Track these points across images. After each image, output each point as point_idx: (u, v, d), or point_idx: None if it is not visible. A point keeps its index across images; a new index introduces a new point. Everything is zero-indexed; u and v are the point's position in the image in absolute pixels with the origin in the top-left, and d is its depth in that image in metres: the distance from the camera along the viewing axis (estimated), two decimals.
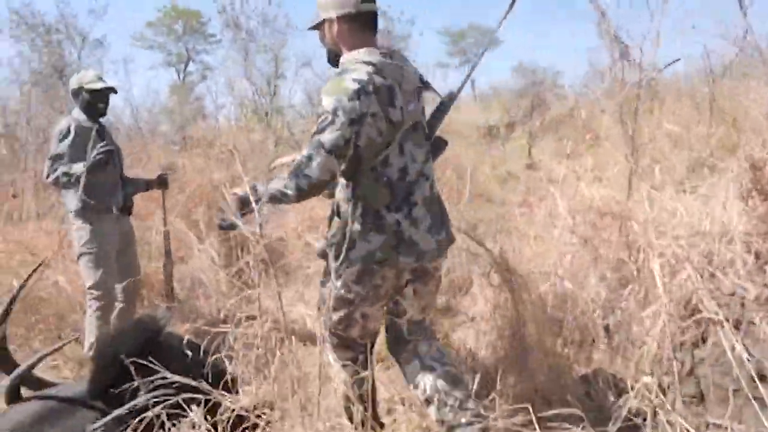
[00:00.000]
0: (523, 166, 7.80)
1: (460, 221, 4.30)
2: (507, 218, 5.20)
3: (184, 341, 2.23)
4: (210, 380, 1.86)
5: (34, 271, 2.22)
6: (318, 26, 2.08)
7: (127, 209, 3.27)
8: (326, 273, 2.14)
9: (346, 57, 1.99)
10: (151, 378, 1.86)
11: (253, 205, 1.90)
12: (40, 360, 2.09)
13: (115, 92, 3.26)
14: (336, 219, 2.05)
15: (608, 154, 4.97)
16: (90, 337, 3.06)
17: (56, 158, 3.02)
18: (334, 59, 2.09)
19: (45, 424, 1.90)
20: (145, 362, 1.90)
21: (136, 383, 1.85)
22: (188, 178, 5.39)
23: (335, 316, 2.09)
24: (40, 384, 2.13)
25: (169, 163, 6.41)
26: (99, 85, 3.14)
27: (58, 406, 1.99)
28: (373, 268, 1.98)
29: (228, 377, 2.00)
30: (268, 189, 1.96)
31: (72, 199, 3.07)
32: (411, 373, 2.12)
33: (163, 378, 1.83)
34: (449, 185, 5.39)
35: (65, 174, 2.99)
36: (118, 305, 3.18)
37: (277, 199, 1.97)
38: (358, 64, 1.92)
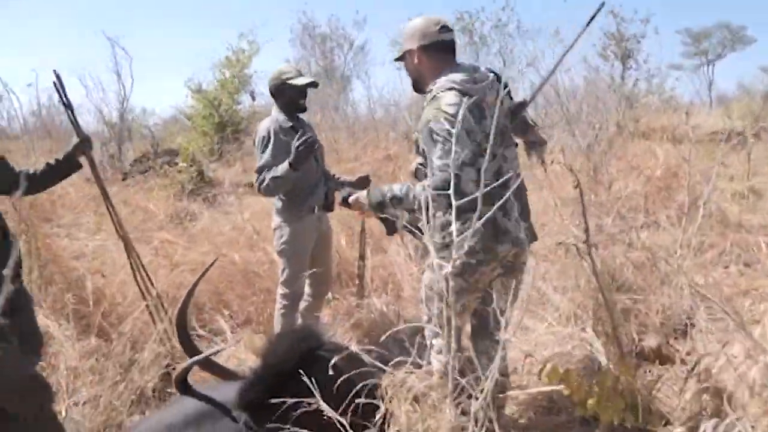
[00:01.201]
0: None
1: (687, 249, 3.19)
2: (746, 247, 3.83)
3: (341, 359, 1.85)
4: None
5: (206, 270, 2.00)
6: (402, 57, 2.08)
7: (328, 206, 2.87)
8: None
9: (434, 85, 1.95)
10: (295, 400, 1.52)
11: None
12: (211, 354, 1.90)
13: (316, 86, 2.84)
14: (436, 218, 1.92)
15: None
16: (276, 329, 2.82)
17: (261, 169, 2.67)
18: (417, 86, 2.09)
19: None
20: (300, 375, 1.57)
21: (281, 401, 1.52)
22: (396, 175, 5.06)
23: (436, 309, 1.96)
24: (215, 369, 1.93)
25: (386, 155, 6.17)
26: (302, 81, 2.69)
27: (207, 412, 1.73)
28: (472, 261, 1.86)
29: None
30: (414, 194, 1.95)
31: (275, 198, 2.80)
32: (483, 366, 1.80)
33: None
34: (677, 201, 4.13)
35: (273, 179, 2.61)
36: (307, 299, 2.90)
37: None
38: (445, 91, 1.89)
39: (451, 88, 1.89)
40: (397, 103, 10.50)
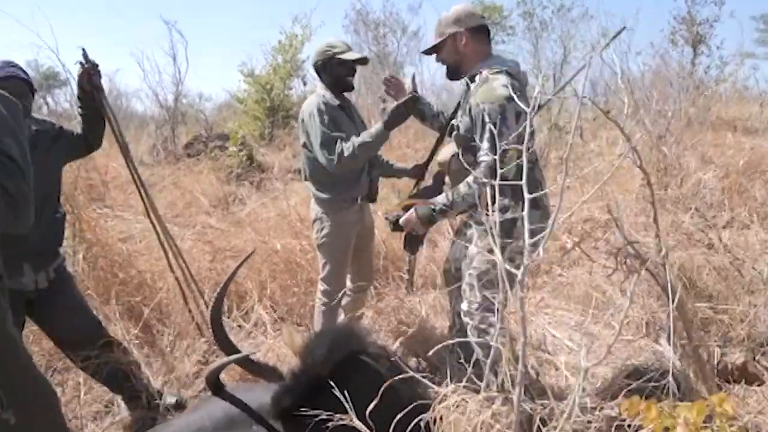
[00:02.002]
0: None
1: None
2: None
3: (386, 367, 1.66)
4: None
5: (243, 262, 1.85)
6: (438, 46, 2.12)
7: (371, 196, 2.63)
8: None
9: (482, 69, 2.00)
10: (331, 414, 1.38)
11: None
12: (248, 355, 1.74)
13: (366, 62, 2.57)
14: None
15: None
16: (317, 326, 2.65)
17: (332, 140, 2.37)
18: (455, 72, 2.13)
19: None
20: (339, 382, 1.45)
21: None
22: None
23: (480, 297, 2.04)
24: (252, 367, 1.77)
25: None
26: (352, 56, 2.42)
27: (238, 417, 1.58)
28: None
29: None
30: (461, 196, 1.99)
31: (313, 186, 2.56)
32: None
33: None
34: (764, 198, 3.68)
35: (362, 144, 2.32)
36: (348, 293, 2.70)
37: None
38: (496, 74, 1.93)
39: (500, 71, 1.96)
40: (450, 89, 10.15)
